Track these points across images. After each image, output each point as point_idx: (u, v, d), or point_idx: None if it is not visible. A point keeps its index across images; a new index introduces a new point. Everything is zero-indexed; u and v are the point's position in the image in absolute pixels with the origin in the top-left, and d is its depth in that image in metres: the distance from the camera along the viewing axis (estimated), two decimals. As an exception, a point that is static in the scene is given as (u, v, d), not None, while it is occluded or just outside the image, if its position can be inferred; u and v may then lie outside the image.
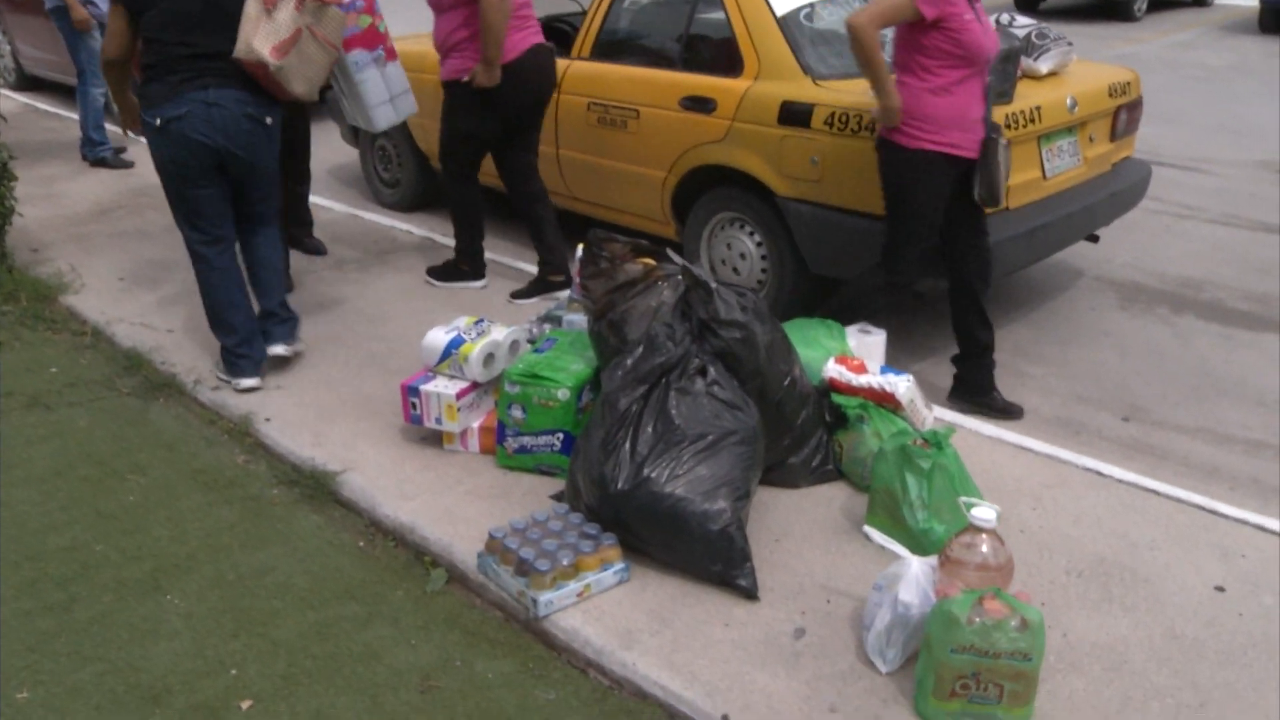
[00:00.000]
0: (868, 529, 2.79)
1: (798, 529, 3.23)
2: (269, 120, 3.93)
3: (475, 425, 3.62)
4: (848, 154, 4.20)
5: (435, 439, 3.69)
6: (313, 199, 6.50)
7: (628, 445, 2.95)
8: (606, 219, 5.44)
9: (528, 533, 2.96)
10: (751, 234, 4.74)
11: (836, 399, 3.51)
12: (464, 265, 5.21)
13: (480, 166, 5.16)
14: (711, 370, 3.05)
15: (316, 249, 5.40)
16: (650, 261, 3.45)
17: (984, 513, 2.56)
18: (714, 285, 3.15)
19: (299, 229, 5.31)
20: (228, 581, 3.04)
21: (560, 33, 6.32)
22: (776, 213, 4.56)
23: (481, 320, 3.74)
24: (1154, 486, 3.51)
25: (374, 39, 4.49)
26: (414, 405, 3.59)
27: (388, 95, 4.62)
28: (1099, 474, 3.59)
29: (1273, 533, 3.27)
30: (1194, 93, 10.30)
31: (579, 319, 3.95)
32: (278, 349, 4.19)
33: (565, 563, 2.82)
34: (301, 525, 3.34)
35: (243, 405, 3.98)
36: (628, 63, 5.21)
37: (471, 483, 3.47)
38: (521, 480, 3.48)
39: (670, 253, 3.32)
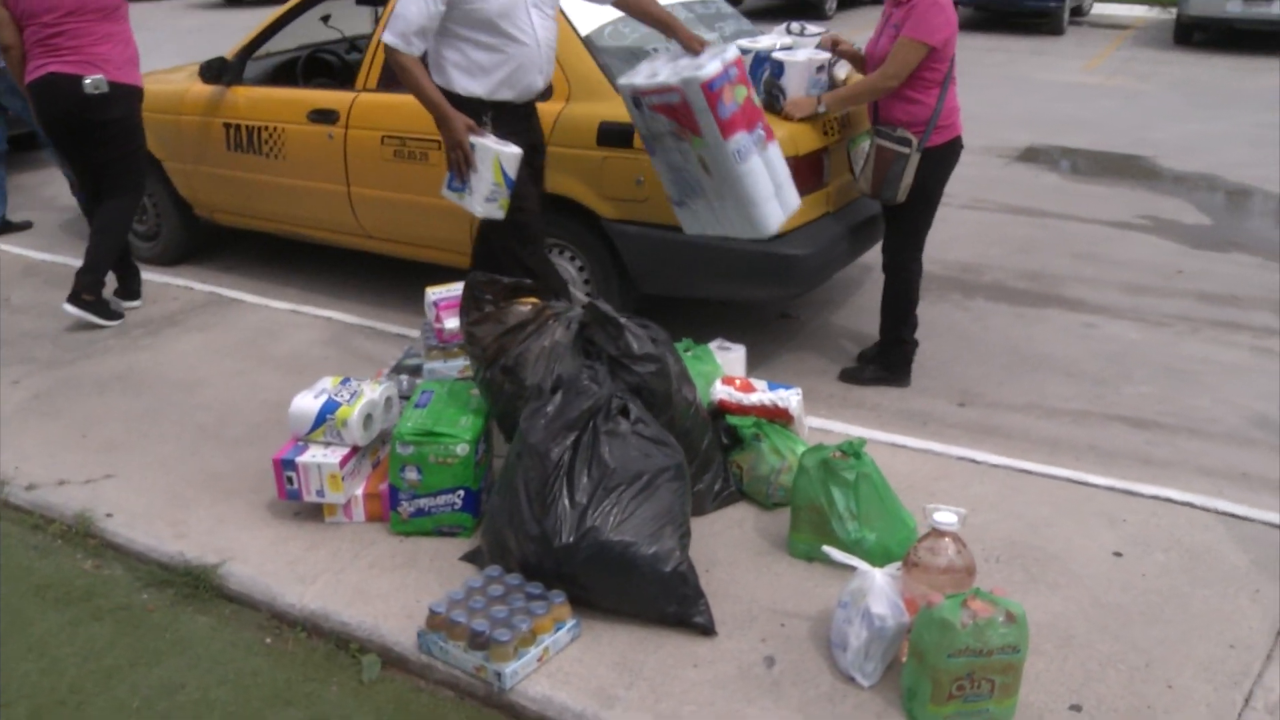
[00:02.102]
0: (827, 549, 2.80)
1: (722, 556, 3.21)
2: None
3: (359, 493, 3.38)
4: None
5: (312, 512, 3.41)
6: (54, 258, 5.94)
7: (565, 497, 2.83)
8: (407, 255, 5.22)
9: (470, 602, 2.78)
10: (573, 259, 4.67)
11: (731, 420, 3.52)
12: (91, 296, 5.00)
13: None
14: (632, 408, 2.98)
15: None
16: (537, 300, 3.33)
17: (946, 516, 2.63)
18: (622, 320, 3.07)
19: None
20: (133, 710, 2.69)
21: (324, 64, 6.04)
22: (598, 236, 4.51)
23: (347, 379, 3.50)
24: (1026, 467, 3.73)
25: (752, 115, 3.66)
26: (290, 479, 3.31)
27: (773, 186, 3.76)
28: (974, 461, 3.78)
29: (1140, 495, 3.55)
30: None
31: (441, 366, 3.77)
32: None
33: (524, 628, 2.68)
34: (192, 630, 3.00)
35: (72, 503, 3.54)
36: (423, 92, 5.01)
37: (370, 555, 3.23)
38: (422, 545, 3.28)
39: (572, 289, 3.21)
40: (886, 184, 4.21)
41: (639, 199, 4.34)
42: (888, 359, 4.53)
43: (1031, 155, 8.42)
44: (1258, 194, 7.45)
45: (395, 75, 4.92)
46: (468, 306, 3.30)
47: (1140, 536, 3.31)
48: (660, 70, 3.75)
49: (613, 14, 4.66)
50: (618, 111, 4.29)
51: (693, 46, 3.76)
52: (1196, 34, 13.84)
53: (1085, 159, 8.45)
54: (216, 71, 5.45)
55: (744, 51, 4.55)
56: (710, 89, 3.52)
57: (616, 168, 4.35)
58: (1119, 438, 4.12)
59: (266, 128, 5.31)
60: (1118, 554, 3.22)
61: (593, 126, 4.37)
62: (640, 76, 3.81)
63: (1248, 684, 2.69)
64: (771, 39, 4.60)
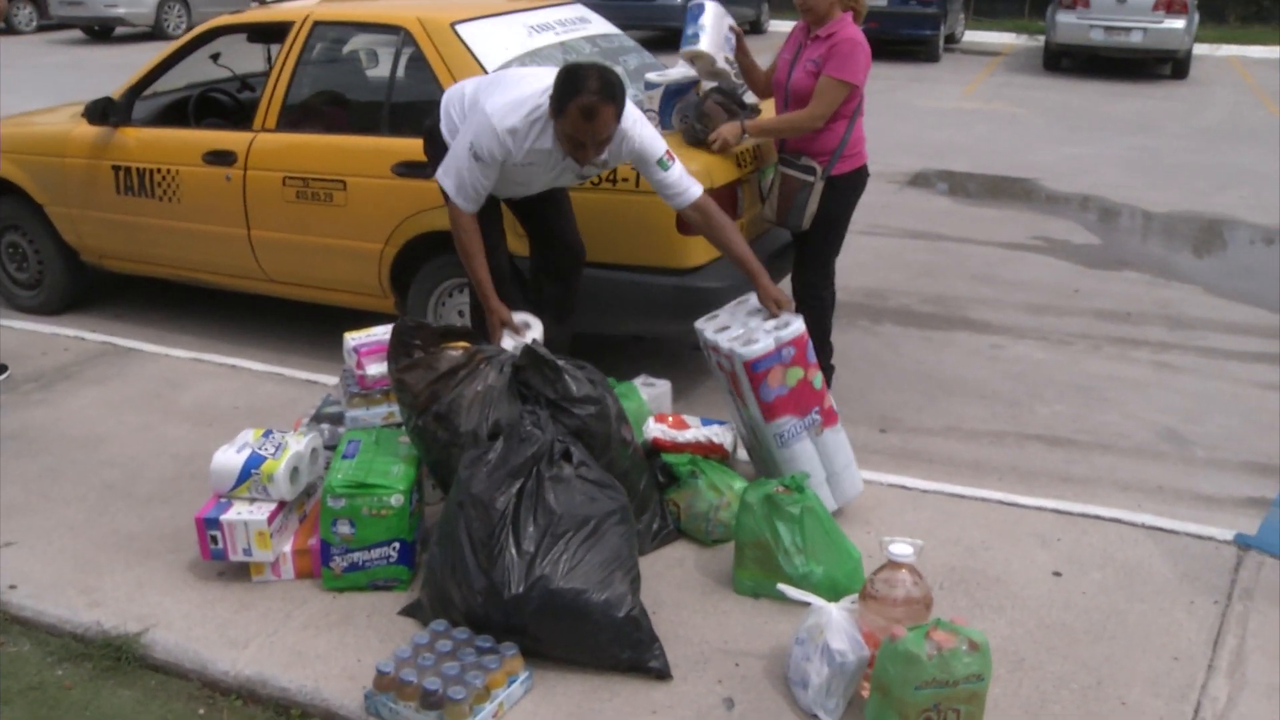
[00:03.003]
0: (782, 587, 2.77)
1: (666, 596, 3.15)
2: None
3: (287, 549, 3.23)
4: (592, 209, 4.17)
5: (237, 572, 3.26)
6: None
7: (512, 546, 2.75)
8: (311, 299, 5.07)
9: (419, 660, 2.68)
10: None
11: (667, 458, 3.48)
12: None
13: None
14: (575, 452, 2.92)
15: None
16: (467, 345, 3.25)
17: (901, 549, 2.63)
18: (560, 363, 3.01)
19: None
20: (61, 796, 2.52)
21: (215, 103, 5.86)
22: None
23: (269, 432, 3.36)
24: (957, 491, 3.77)
25: (807, 399, 3.39)
26: (214, 539, 3.15)
27: (823, 474, 3.47)
28: (904, 488, 3.80)
29: (1069, 514, 3.61)
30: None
31: (364, 414, 3.64)
32: None
33: (478, 684, 2.58)
34: (116, 706, 2.82)
35: (-30, 576, 3.32)
36: (326, 131, 4.90)
37: (303, 614, 3.09)
38: (357, 600, 3.15)
39: (508, 336, 3.14)
40: (792, 212, 4.25)
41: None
42: None
43: (921, 180, 8.63)
44: (1139, 214, 7.76)
45: (297, 119, 4.89)
46: (396, 353, 3.20)
47: (1074, 555, 3.37)
48: (729, 323, 3.58)
49: (521, 49, 4.64)
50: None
51: (768, 304, 3.53)
52: (1064, 60, 14.42)
53: (974, 182, 8.69)
54: (103, 112, 5.22)
55: (652, 86, 4.56)
56: (754, 370, 3.32)
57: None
58: (1037, 457, 4.21)
59: (159, 170, 5.12)
60: (1057, 574, 3.27)
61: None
62: (710, 323, 3.64)
63: (1194, 695, 2.74)
64: (680, 70, 4.61)
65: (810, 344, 3.46)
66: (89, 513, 3.67)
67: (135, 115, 5.33)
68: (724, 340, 3.45)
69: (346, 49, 5.62)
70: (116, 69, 14.15)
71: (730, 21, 4.50)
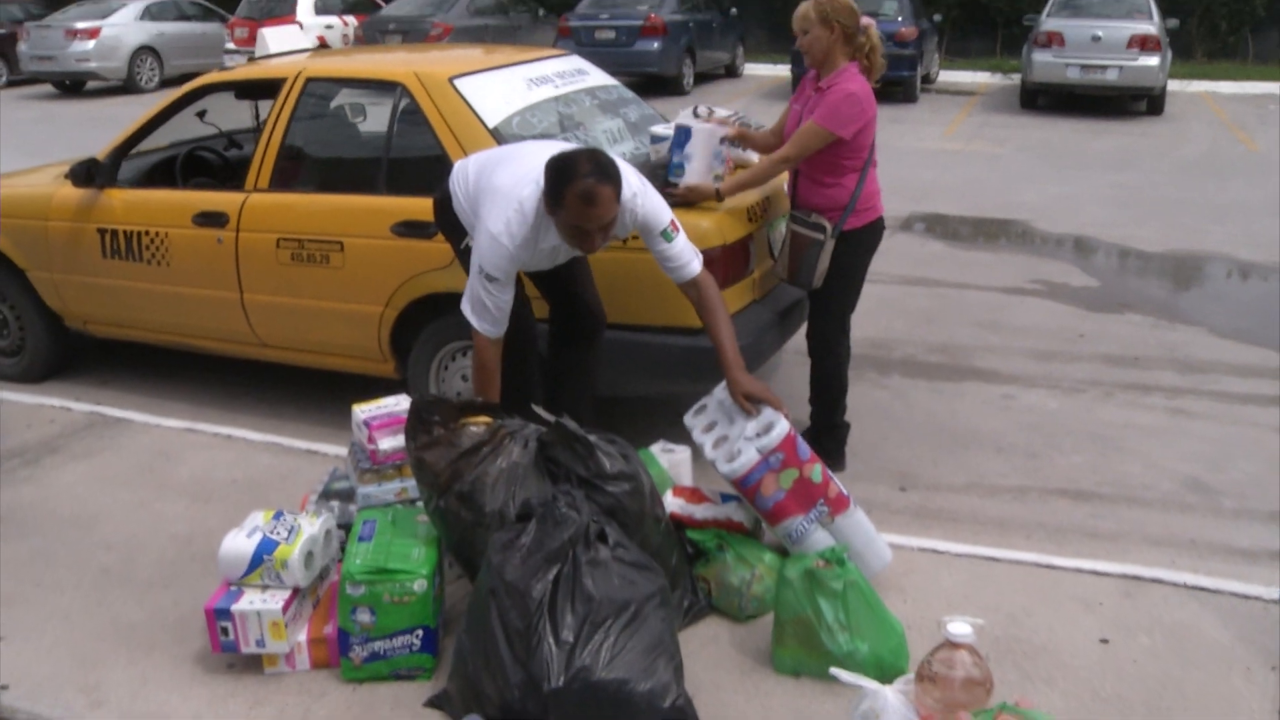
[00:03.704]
0: (836, 671, 2.63)
1: (704, 677, 3.01)
2: None
3: (302, 639, 3.07)
4: (602, 269, 4.06)
5: (249, 664, 3.09)
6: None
7: (550, 635, 2.60)
8: (306, 364, 4.92)
9: (453, 760, 2.52)
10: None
11: (691, 534, 3.36)
12: None
13: None
14: (610, 532, 2.78)
15: None
16: (489, 420, 3.11)
17: (960, 628, 2.50)
18: (592, 438, 2.88)
19: None
20: None
21: (201, 162, 5.73)
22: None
23: (280, 513, 3.20)
24: (989, 554, 3.65)
25: (809, 494, 3.29)
26: (224, 630, 2.99)
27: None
28: (935, 551, 3.68)
29: (1108, 575, 3.51)
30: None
31: (376, 491, 3.49)
32: None
33: (521, 787, 2.43)
34: (126, 817, 2.64)
35: (-39, 675, 3.13)
36: (321, 190, 4.77)
37: (323, 709, 2.93)
38: (379, 692, 2.99)
39: (537, 409, 3.01)
40: (802, 271, 4.15)
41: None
42: (820, 444, 4.43)
43: (914, 224, 8.58)
44: (1134, 254, 7.72)
45: (291, 179, 4.76)
46: (415, 430, 3.05)
47: (1120, 619, 3.26)
48: (716, 417, 3.51)
49: (522, 103, 4.54)
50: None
51: (737, 399, 3.42)
52: (1041, 98, 14.51)
53: (965, 225, 8.65)
54: (87, 173, 5.07)
55: (658, 140, 4.46)
56: (744, 485, 3.25)
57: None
58: (1063, 512, 4.11)
59: (147, 233, 4.96)
60: (1104, 640, 3.15)
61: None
62: (698, 419, 3.58)
63: (1267, 775, 2.63)
64: (682, 121, 4.50)
65: (799, 440, 3.32)
66: (85, 601, 3.49)
67: (120, 176, 5.18)
68: (708, 450, 3.36)
69: (347, 107, 5.51)
70: (89, 123, 14.02)
71: (723, 132, 4.28)
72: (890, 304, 6.53)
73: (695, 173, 4.14)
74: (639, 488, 2.93)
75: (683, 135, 4.18)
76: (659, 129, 4.51)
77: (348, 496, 3.56)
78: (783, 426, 3.26)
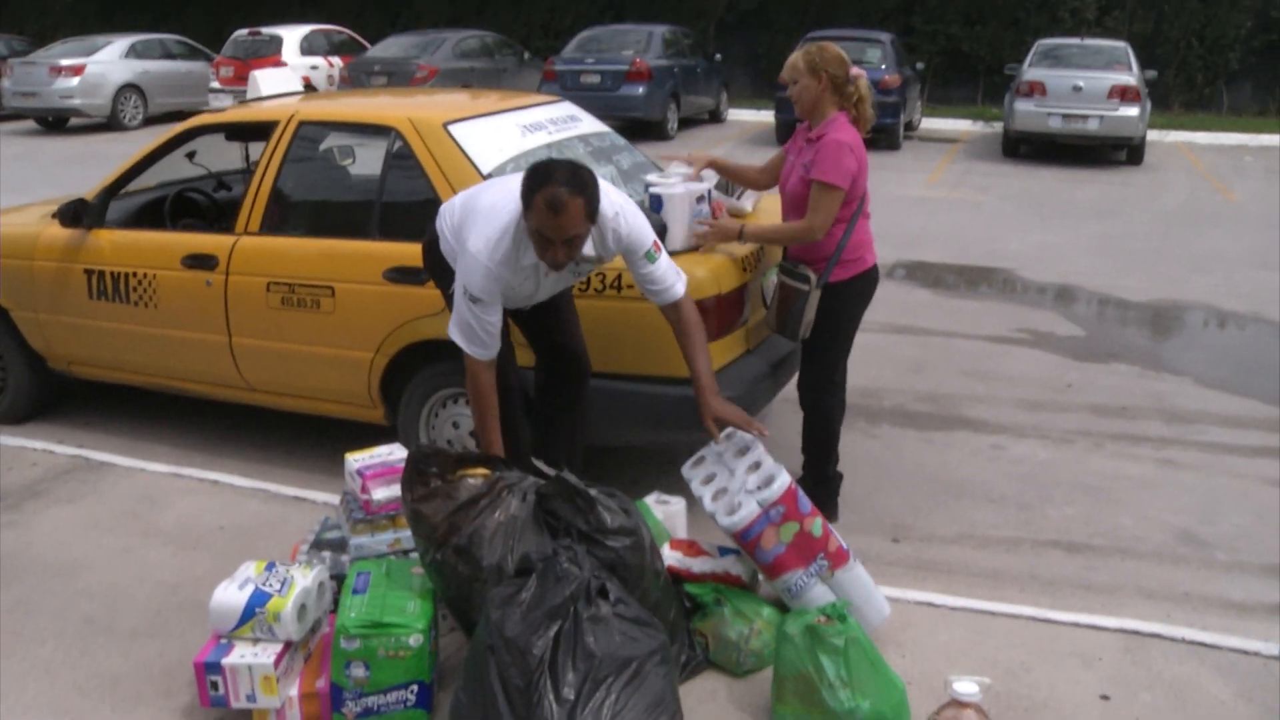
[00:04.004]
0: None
1: (704, 735, 2.97)
2: None
3: (293, 693, 3.01)
4: (593, 317, 4.05)
5: (238, 718, 3.02)
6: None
7: (550, 693, 2.56)
8: (295, 409, 4.87)
9: (450, 823, 2.47)
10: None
11: (688, 588, 3.32)
12: None
13: None
14: (610, 588, 2.75)
15: None
16: (487, 472, 3.07)
17: (967, 687, 2.48)
18: (593, 492, 2.85)
19: None
20: None
21: (190, 203, 5.70)
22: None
23: (272, 565, 3.14)
24: (986, 607, 3.63)
25: (809, 548, 3.24)
26: (214, 685, 2.93)
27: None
28: (931, 605, 3.66)
29: (1105, 629, 3.49)
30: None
31: (369, 541, 3.45)
32: None
33: None
34: None
35: (-59, 732, 3.05)
36: (313, 234, 4.75)
37: (314, 766, 2.87)
38: (371, 748, 2.93)
39: (537, 462, 2.98)
40: (789, 322, 4.15)
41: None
42: (814, 495, 4.40)
43: (899, 272, 8.61)
44: (1118, 303, 7.77)
45: (282, 222, 4.73)
46: (411, 481, 3.02)
47: (1119, 675, 3.24)
48: (715, 469, 3.49)
49: (516, 150, 4.53)
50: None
51: (705, 423, 3.47)
52: (1023, 146, 14.68)
53: (950, 273, 8.70)
54: (75, 214, 5.03)
55: (654, 192, 4.43)
56: (745, 538, 3.22)
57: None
58: (1056, 565, 4.09)
59: (135, 274, 4.92)
60: (1105, 697, 3.13)
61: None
62: (696, 472, 3.56)
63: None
64: (655, 189, 4.41)
65: (800, 493, 3.30)
66: (68, 651, 3.42)
67: (109, 217, 5.14)
68: (708, 503, 3.34)
69: (334, 149, 5.49)
70: (71, 161, 13.98)
71: (700, 190, 4.24)
72: (878, 352, 6.53)
73: (676, 237, 4.13)
74: (640, 542, 2.90)
75: (656, 204, 4.17)
76: (653, 180, 4.50)
77: (340, 546, 3.51)
78: (784, 479, 3.24)
